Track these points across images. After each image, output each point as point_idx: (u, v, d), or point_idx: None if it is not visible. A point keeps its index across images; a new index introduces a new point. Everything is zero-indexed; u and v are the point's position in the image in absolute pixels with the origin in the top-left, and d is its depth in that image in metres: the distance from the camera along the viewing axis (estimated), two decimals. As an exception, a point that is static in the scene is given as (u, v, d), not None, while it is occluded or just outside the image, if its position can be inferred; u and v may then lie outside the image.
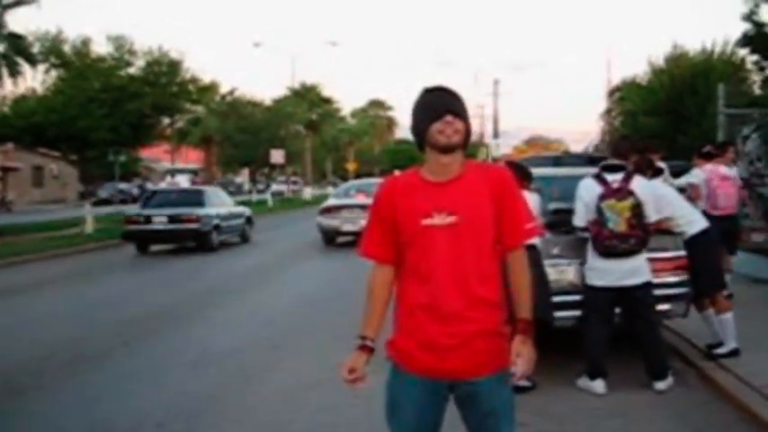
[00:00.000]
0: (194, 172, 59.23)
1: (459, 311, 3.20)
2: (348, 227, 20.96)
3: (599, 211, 6.60)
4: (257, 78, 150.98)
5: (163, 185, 57.52)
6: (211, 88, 51.91)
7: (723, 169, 10.77)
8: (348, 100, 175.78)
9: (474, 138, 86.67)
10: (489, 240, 3.26)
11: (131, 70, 39.13)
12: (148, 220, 20.98)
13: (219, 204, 22.76)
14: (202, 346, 9.21)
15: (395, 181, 3.43)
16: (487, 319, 3.25)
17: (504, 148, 61.89)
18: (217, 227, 21.52)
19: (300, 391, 7.17)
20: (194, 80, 43.27)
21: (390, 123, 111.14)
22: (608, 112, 54.62)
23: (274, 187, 53.41)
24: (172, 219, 20.83)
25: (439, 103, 3.24)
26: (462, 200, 3.21)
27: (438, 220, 3.19)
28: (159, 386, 7.55)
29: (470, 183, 3.25)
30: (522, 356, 3.24)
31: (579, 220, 6.92)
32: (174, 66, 40.47)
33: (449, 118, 3.18)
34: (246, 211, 25.00)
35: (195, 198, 22.18)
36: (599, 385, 6.77)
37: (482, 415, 3.30)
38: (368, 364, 3.34)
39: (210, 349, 9.00)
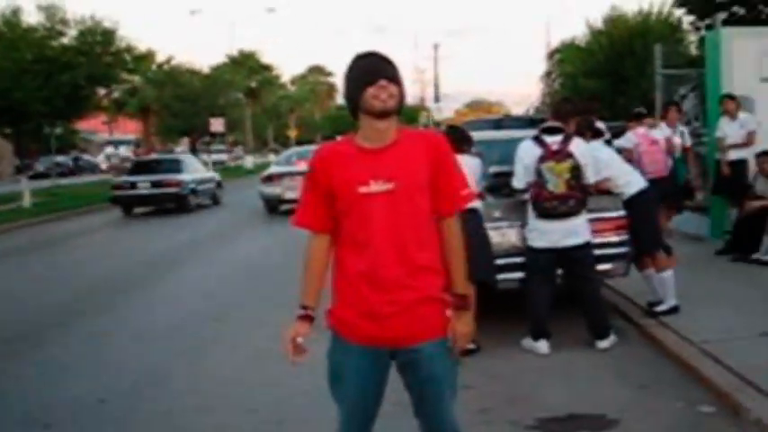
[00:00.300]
0: (136, 144, 58.31)
1: (398, 279, 3.18)
2: (290, 194, 20.77)
3: (538, 172, 6.64)
4: (195, 46, 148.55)
5: (101, 158, 56.93)
6: (148, 57, 50.79)
7: (653, 133, 10.98)
8: (288, 67, 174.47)
9: (415, 102, 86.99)
10: (426, 206, 3.24)
11: (64, 40, 38.15)
12: (134, 185, 23.39)
13: (194, 171, 25.34)
14: (144, 319, 9.10)
15: (328, 149, 3.38)
16: (427, 286, 3.24)
17: (445, 111, 62.13)
18: (194, 190, 23.91)
19: (244, 364, 7.12)
20: (130, 49, 42.26)
21: (331, 89, 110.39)
22: (548, 74, 54.78)
23: (214, 157, 52.87)
24: (154, 184, 23.16)
25: (372, 69, 3.20)
26: (399, 166, 3.18)
27: (375, 187, 3.16)
28: (100, 363, 7.44)
29: (406, 149, 3.22)
30: (456, 334, 3.27)
31: (518, 182, 6.96)
32: (109, 35, 39.45)
33: (383, 82, 3.14)
34: (216, 176, 27.35)
35: (174, 165, 24.67)
36: (542, 345, 6.84)
37: (423, 381, 3.30)
38: (309, 335, 3.33)
39: (152, 323, 8.90)
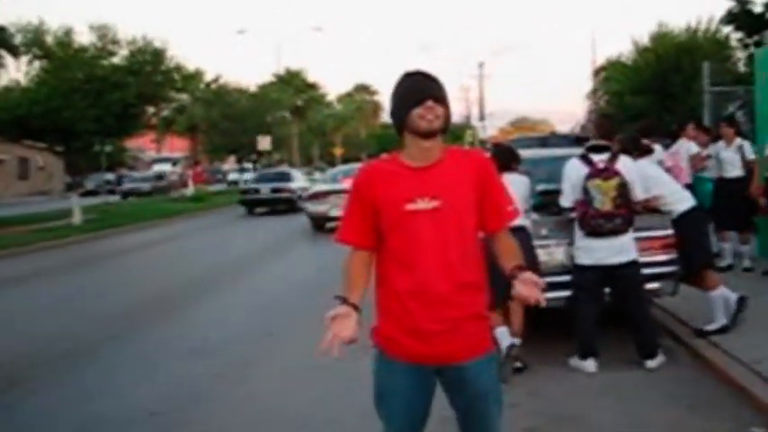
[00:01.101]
0: (174, 162, 58.88)
1: (444, 296, 3.19)
2: (336, 212, 20.92)
3: (585, 190, 6.65)
4: (242, 65, 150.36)
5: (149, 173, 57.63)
6: (196, 76, 51.69)
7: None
8: (334, 85, 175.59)
9: (460, 120, 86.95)
10: (472, 224, 3.26)
11: (115, 60, 38.82)
12: (257, 191, 30.73)
13: (300, 181, 32.05)
14: (198, 334, 9.20)
15: (373, 167, 3.38)
16: (472, 303, 3.26)
17: (490, 129, 62.07)
18: (300, 196, 28.13)
19: (294, 379, 7.18)
20: (179, 68, 42.98)
21: (376, 108, 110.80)
22: (593, 92, 54.56)
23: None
24: (273, 190, 30.23)
25: (419, 88, 3.21)
26: (444, 184, 3.20)
27: (422, 204, 3.17)
28: (152, 376, 7.54)
29: (451, 167, 3.24)
30: (527, 281, 3.16)
31: (566, 200, 6.96)
32: (158, 54, 40.17)
33: (429, 103, 3.15)
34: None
35: (287, 176, 31.89)
36: (590, 364, 6.81)
37: (470, 398, 3.31)
38: (357, 322, 3.26)
39: (205, 338, 9.00)
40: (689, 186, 10.61)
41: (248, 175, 49.36)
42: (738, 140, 11.01)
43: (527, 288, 3.14)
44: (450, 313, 3.20)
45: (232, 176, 57.27)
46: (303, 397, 6.66)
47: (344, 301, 3.28)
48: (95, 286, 13.69)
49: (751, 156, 10.87)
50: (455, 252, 3.20)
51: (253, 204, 30.59)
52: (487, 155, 3.63)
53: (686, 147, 11.55)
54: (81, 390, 7.18)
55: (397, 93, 3.29)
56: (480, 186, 3.27)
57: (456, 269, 3.20)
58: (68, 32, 37.85)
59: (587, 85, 60.72)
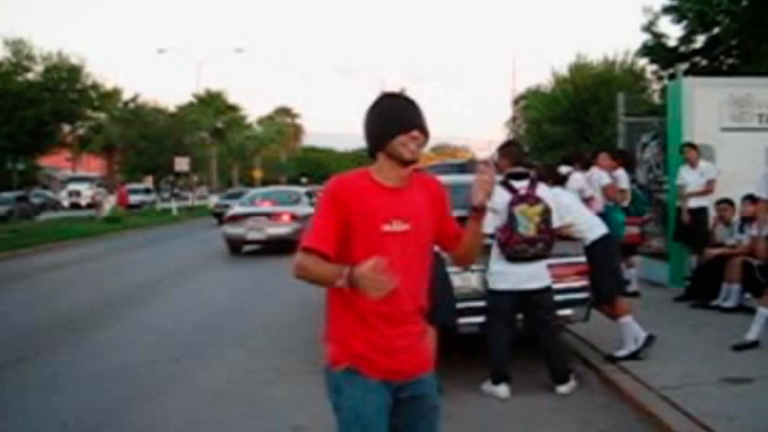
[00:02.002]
0: (92, 180, 57.54)
1: (408, 314, 3.29)
2: (254, 235, 20.77)
3: (511, 216, 6.67)
4: (162, 85, 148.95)
5: (63, 194, 56.37)
6: (114, 95, 50.85)
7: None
8: (255, 107, 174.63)
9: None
10: (430, 246, 3.38)
11: (29, 76, 38.06)
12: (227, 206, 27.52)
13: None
14: (102, 359, 8.95)
15: (349, 180, 3.29)
16: (423, 320, 3.39)
17: (410, 155, 62.35)
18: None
19: (201, 405, 7.02)
20: (96, 86, 42.34)
21: (297, 131, 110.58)
22: (513, 120, 55.44)
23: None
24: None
25: (406, 116, 3.24)
26: (413, 208, 3.26)
27: (396, 226, 3.21)
28: (56, 401, 7.28)
29: (416, 191, 3.31)
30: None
31: (488, 227, 6.96)
32: (75, 71, 39.51)
33: (415, 133, 3.21)
34: None
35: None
36: (503, 390, 6.82)
37: (425, 412, 3.39)
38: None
39: (110, 363, 8.74)
40: (601, 215, 10.79)
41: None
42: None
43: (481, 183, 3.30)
44: (411, 329, 3.30)
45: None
46: (211, 423, 6.51)
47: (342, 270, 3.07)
48: (1, 307, 13.25)
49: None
50: (417, 273, 3.29)
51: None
52: None
53: (598, 176, 11.76)
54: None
55: (379, 114, 3.28)
56: (438, 210, 3.37)
57: (417, 289, 3.31)
58: (-19, 47, 37.02)
59: (507, 112, 61.64)
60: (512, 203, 6.73)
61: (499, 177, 7.22)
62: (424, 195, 3.33)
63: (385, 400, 3.27)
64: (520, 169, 7.00)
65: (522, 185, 6.83)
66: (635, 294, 10.79)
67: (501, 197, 6.79)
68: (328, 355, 3.31)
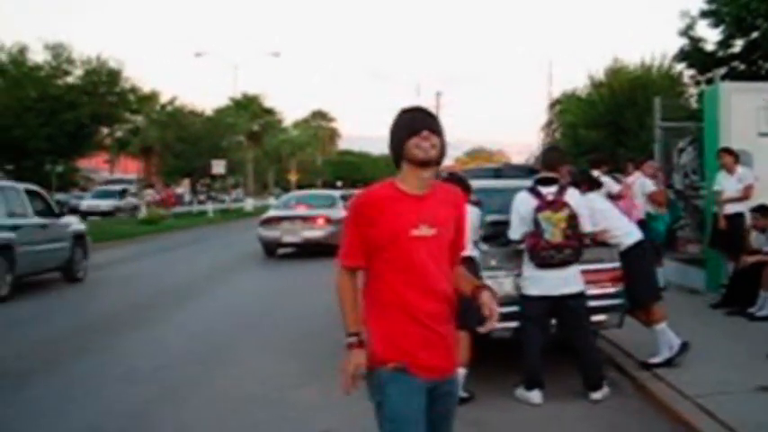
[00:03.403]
0: (124, 188, 57.89)
1: (441, 313, 3.42)
2: (289, 238, 20.88)
3: (536, 222, 6.69)
4: (199, 88, 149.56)
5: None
6: (152, 98, 51.23)
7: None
8: (290, 111, 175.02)
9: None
10: (449, 252, 3.49)
11: (69, 79, 38.40)
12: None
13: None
14: (131, 362, 9.02)
15: (375, 194, 3.47)
16: (452, 319, 3.52)
17: (446, 159, 62.16)
18: None
19: (227, 409, 7.04)
20: (134, 90, 42.61)
21: (333, 134, 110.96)
22: (548, 124, 55.11)
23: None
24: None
25: (416, 121, 3.40)
26: (438, 213, 3.41)
27: (424, 230, 3.36)
28: (83, 403, 7.36)
29: (440, 198, 3.47)
30: (488, 301, 3.42)
31: (514, 233, 7.00)
32: (114, 75, 39.81)
33: (425, 133, 3.35)
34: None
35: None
36: (536, 396, 6.81)
37: (447, 409, 3.54)
38: (364, 364, 3.42)
39: (139, 366, 8.80)
40: (641, 222, 10.84)
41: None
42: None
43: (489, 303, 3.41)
44: (444, 328, 3.43)
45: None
46: (236, 427, 6.55)
47: (356, 335, 3.45)
48: (26, 314, 13.29)
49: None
50: (444, 275, 3.45)
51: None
52: None
53: (642, 183, 11.77)
54: (10, 419, 6.95)
55: (395, 126, 3.47)
56: (456, 223, 3.52)
57: (445, 290, 3.43)
58: (23, 50, 37.34)
59: (543, 117, 61.28)
60: (537, 209, 6.74)
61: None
62: (448, 204, 3.48)
63: (424, 401, 3.38)
64: (548, 174, 7.00)
65: (549, 191, 6.83)
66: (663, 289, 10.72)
67: (527, 203, 6.81)
68: (372, 354, 3.40)
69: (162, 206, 44.38)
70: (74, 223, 17.63)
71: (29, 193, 15.48)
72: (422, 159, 3.33)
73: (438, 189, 3.48)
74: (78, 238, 17.05)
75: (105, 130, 45.10)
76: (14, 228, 14.18)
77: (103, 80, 39.82)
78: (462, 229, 3.59)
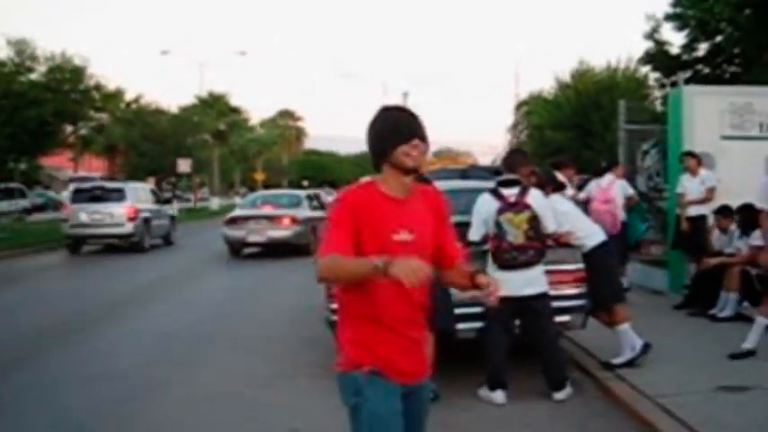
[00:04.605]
0: (93, 180, 57.51)
1: (417, 320, 3.39)
2: (254, 237, 20.79)
3: (497, 224, 6.71)
4: (165, 86, 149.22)
5: (65, 194, 56.32)
6: (117, 95, 50.64)
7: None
8: (257, 110, 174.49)
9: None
10: (430, 257, 3.36)
11: (32, 76, 37.92)
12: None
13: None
14: (99, 361, 8.96)
15: (360, 192, 3.37)
16: (427, 326, 3.51)
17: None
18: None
19: (198, 408, 7.03)
20: (98, 87, 42.22)
21: (299, 134, 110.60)
22: (515, 125, 55.34)
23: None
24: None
25: (406, 126, 3.33)
26: (417, 218, 3.36)
27: (403, 236, 3.28)
28: (52, 403, 7.30)
29: (419, 202, 3.40)
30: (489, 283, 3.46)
31: (474, 234, 7.02)
32: (78, 72, 39.39)
33: (416, 142, 3.29)
34: None
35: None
36: (499, 396, 6.84)
37: (421, 415, 3.52)
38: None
39: (107, 365, 8.76)
40: (623, 224, 11.16)
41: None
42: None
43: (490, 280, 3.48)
44: (420, 334, 3.43)
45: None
46: (205, 426, 6.53)
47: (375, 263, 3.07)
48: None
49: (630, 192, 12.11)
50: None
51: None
52: None
53: (623, 186, 11.90)
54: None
55: (379, 126, 3.37)
56: (439, 223, 3.46)
57: (423, 297, 3.36)
58: (-16, 47, 36.96)
59: (509, 118, 61.59)
60: (499, 211, 6.77)
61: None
62: (425, 205, 3.41)
63: (400, 404, 3.35)
64: (510, 176, 7.03)
65: (511, 193, 6.85)
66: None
67: (489, 205, 6.85)
68: (346, 357, 3.36)
69: None
70: (168, 209, 28.20)
71: (151, 190, 27.23)
72: (411, 168, 3.29)
73: (419, 193, 3.42)
74: (171, 218, 27.12)
75: (69, 128, 44.63)
76: (149, 210, 24.16)
77: (67, 77, 39.39)
78: (448, 227, 3.53)
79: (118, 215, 22.61)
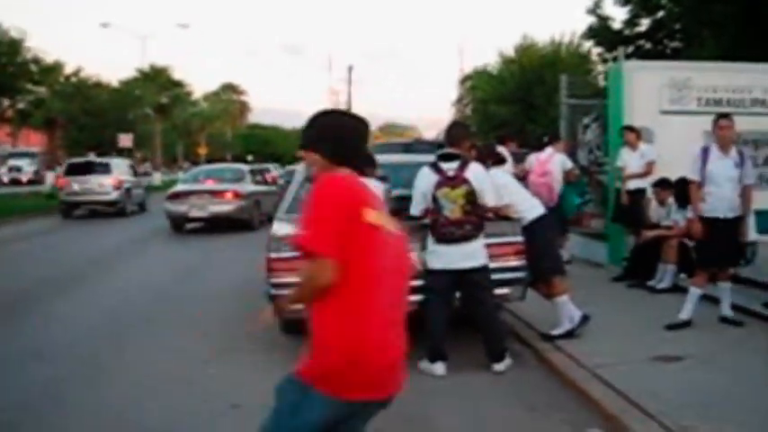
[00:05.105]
0: (33, 155, 56.54)
1: (401, 321, 3.27)
2: (196, 212, 20.60)
3: (435, 199, 6.74)
4: (105, 60, 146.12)
5: (3, 170, 55.23)
6: (55, 69, 49.70)
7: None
8: (200, 84, 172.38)
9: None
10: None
11: (-33, 49, 37.33)
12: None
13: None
14: (40, 339, 8.82)
15: (356, 182, 3.21)
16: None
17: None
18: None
19: (141, 385, 6.95)
20: (36, 60, 41.53)
21: (243, 108, 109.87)
22: (459, 100, 55.57)
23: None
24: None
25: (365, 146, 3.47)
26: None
27: (393, 230, 3.22)
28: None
29: None
30: None
31: (415, 208, 7.05)
32: (15, 45, 38.68)
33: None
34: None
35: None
36: (439, 367, 6.88)
37: (364, 425, 3.37)
38: None
39: (49, 343, 8.61)
40: (560, 198, 11.27)
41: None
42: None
43: None
44: (404, 339, 3.26)
45: None
46: (148, 403, 6.46)
47: None
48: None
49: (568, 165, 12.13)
50: (408, 276, 3.34)
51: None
52: None
53: (562, 160, 11.98)
54: None
55: (352, 131, 3.36)
56: None
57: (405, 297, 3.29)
58: None
59: (454, 92, 61.73)
60: (436, 186, 6.79)
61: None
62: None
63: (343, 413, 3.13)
64: (449, 150, 7.04)
65: (451, 167, 6.86)
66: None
67: (428, 179, 6.86)
68: (312, 365, 3.10)
69: None
70: (144, 181, 33.08)
71: (130, 165, 30.40)
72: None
73: None
74: (146, 188, 31.26)
75: (6, 102, 43.78)
76: (129, 181, 28.16)
77: (3, 50, 38.60)
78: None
79: (106, 185, 26.76)
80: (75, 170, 27.58)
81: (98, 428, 5.91)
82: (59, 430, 5.93)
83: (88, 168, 27.59)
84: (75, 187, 26.77)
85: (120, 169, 28.02)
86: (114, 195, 26.81)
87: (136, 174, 30.41)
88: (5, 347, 8.44)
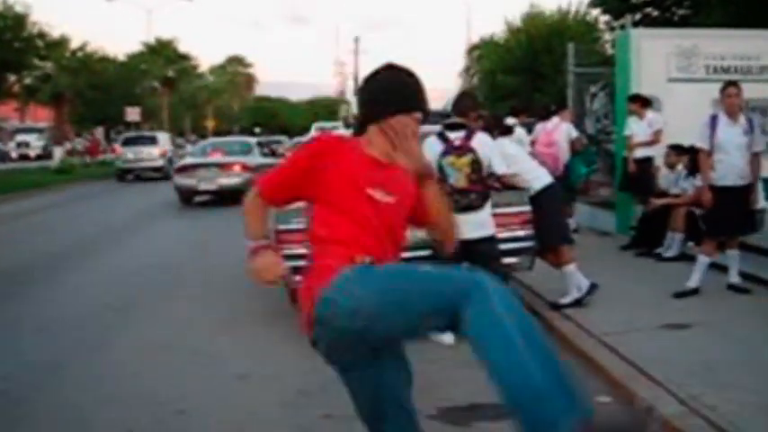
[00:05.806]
0: (41, 131, 56.69)
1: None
2: (205, 185, 20.63)
3: (440, 167, 6.73)
4: (111, 34, 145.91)
5: (11, 145, 55.34)
6: (61, 43, 49.55)
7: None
8: (206, 56, 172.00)
9: (335, 95, 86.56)
10: (405, 220, 3.30)
11: (-27, 25, 37.19)
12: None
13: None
14: (45, 312, 8.87)
15: (332, 142, 3.25)
16: None
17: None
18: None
19: (146, 357, 7.01)
20: (42, 35, 41.38)
21: (250, 80, 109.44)
22: (466, 69, 55.34)
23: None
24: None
25: (413, 96, 3.22)
26: (399, 183, 3.19)
27: (380, 195, 3.13)
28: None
29: (404, 168, 3.23)
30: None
31: None
32: (20, 20, 38.50)
33: (418, 115, 3.19)
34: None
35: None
36: (448, 337, 6.90)
37: None
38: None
39: (54, 316, 8.67)
40: (565, 166, 11.23)
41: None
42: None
43: None
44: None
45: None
46: (154, 374, 6.52)
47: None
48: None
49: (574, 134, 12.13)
50: (399, 241, 3.30)
51: None
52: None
53: (568, 129, 11.97)
54: None
55: (382, 86, 3.22)
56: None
57: (397, 256, 3.32)
58: None
59: (461, 62, 61.48)
60: (442, 154, 6.78)
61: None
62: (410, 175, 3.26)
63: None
64: (455, 120, 7.03)
65: (457, 136, 6.85)
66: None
67: (434, 148, 6.84)
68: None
69: (88, 154, 45.53)
70: (181, 151, 37.22)
71: (170, 137, 37.00)
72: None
73: None
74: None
75: (13, 77, 43.73)
76: (171, 152, 34.58)
77: (9, 25, 38.47)
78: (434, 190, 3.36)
79: (154, 154, 32.90)
80: (129, 142, 33.64)
81: (100, 398, 5.95)
82: (59, 398, 5.98)
83: (139, 141, 33.66)
84: (130, 156, 32.64)
85: (164, 142, 34.29)
86: (160, 162, 32.45)
87: (176, 145, 37.11)
88: (11, 322, 8.53)
